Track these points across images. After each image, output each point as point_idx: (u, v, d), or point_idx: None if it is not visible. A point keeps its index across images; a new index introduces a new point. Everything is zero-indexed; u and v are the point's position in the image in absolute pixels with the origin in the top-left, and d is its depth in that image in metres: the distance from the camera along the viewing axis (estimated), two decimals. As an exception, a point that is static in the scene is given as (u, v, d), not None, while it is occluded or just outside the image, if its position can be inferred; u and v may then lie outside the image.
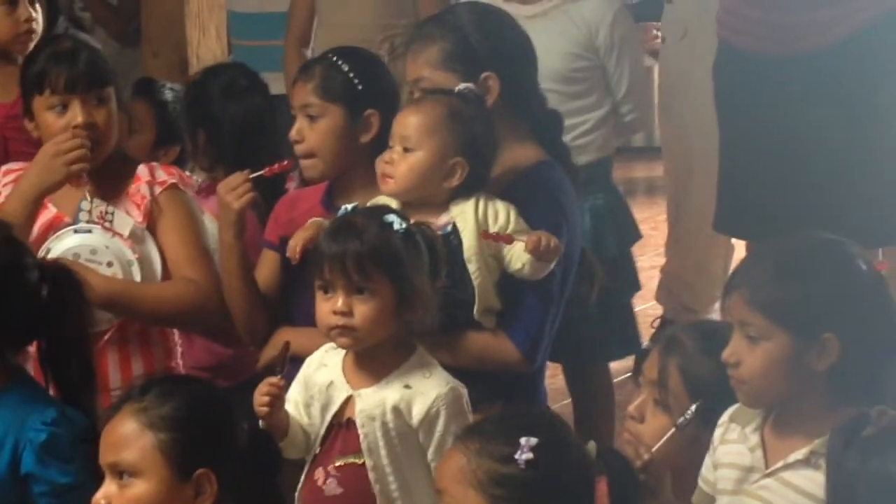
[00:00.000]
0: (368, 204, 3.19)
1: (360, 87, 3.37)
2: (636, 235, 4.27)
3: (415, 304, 2.88)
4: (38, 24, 4.13)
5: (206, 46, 4.79)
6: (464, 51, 3.35)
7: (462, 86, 3.28)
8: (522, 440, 2.36)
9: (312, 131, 3.37)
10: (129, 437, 2.48)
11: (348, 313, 2.85)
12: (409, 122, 3.20)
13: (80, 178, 3.35)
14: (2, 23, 4.09)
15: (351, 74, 3.37)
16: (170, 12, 4.78)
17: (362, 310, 2.85)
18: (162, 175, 3.42)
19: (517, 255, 3.15)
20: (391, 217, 2.90)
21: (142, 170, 3.42)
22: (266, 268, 3.43)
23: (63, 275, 2.90)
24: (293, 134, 3.39)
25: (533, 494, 2.36)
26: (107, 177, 3.41)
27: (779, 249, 2.61)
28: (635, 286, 4.27)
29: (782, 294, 2.51)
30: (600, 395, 4.08)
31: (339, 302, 2.86)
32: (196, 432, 2.50)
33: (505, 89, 3.34)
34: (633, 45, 4.25)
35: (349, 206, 3.02)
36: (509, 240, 3.13)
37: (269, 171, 3.37)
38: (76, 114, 3.33)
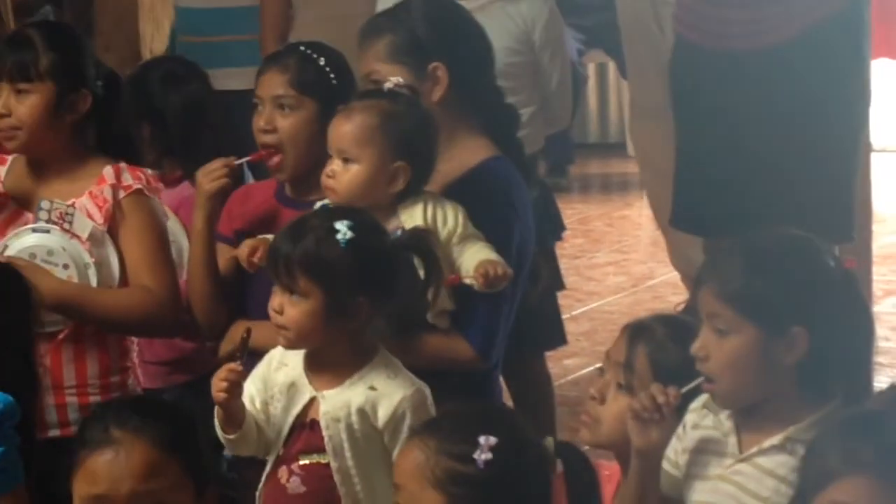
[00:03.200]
0: (319, 204, 3.20)
1: (334, 82, 3.38)
2: (561, 230, 4.33)
3: (351, 315, 2.87)
4: None
5: (160, 41, 4.79)
6: (411, 42, 3.35)
7: (390, 82, 3.27)
8: (482, 439, 2.38)
9: (285, 122, 3.37)
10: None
11: (280, 312, 2.88)
12: (343, 133, 3.17)
13: None
14: None
15: (327, 68, 3.38)
16: (123, 6, 4.78)
17: (290, 312, 2.87)
18: (128, 179, 3.38)
19: (466, 272, 3.15)
20: (341, 224, 2.87)
21: (108, 171, 3.37)
22: (220, 261, 3.42)
23: (8, 275, 2.93)
24: (263, 123, 3.38)
25: (492, 493, 2.38)
26: (70, 175, 3.39)
27: (748, 244, 2.63)
28: (560, 281, 4.33)
29: (751, 287, 2.53)
30: (536, 387, 4.11)
31: (276, 299, 2.89)
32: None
33: (455, 81, 3.33)
34: (564, 43, 4.32)
35: (318, 204, 3.06)
36: (457, 280, 3.13)
37: (253, 158, 3.37)
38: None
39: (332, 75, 3.38)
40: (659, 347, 2.75)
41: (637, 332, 2.78)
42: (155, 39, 5.05)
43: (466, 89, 3.37)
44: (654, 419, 2.57)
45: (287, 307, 2.86)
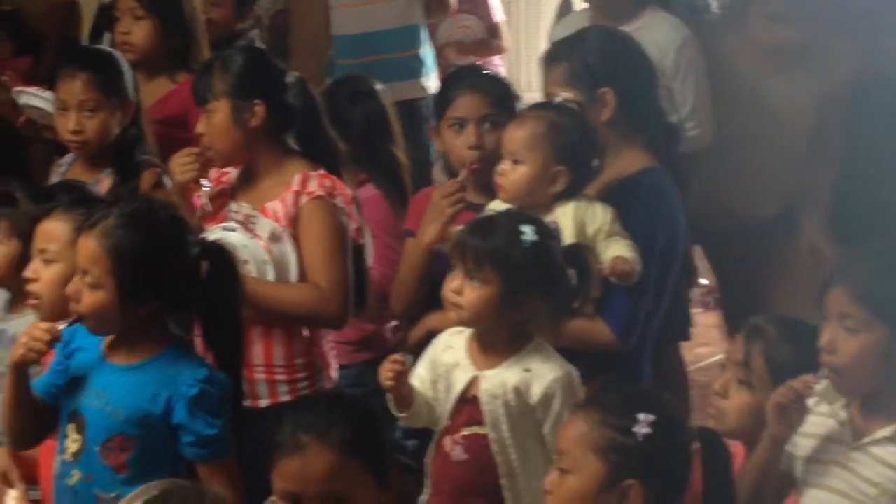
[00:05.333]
0: (491, 206, 3.37)
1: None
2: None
3: (521, 306, 3.01)
4: (136, 37, 4.25)
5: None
6: (584, 70, 3.50)
7: (560, 98, 3.43)
8: (641, 416, 2.55)
9: (492, 137, 3.53)
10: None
11: (459, 293, 3.01)
12: (515, 138, 3.36)
13: (194, 184, 3.54)
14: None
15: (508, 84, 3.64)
16: (314, 31, 5.01)
17: (470, 295, 3.02)
18: (312, 186, 3.44)
19: (604, 266, 3.30)
20: (526, 228, 3.02)
21: (296, 179, 3.45)
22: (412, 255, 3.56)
23: (221, 254, 3.02)
24: (474, 140, 3.54)
25: (646, 463, 2.55)
26: (269, 180, 3.49)
27: (878, 251, 2.73)
28: (694, 279, 4.41)
29: (885, 290, 2.63)
30: (672, 374, 4.17)
31: (456, 282, 3.04)
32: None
33: (621, 103, 3.48)
34: (698, 68, 4.26)
35: (501, 207, 3.23)
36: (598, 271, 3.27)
37: (468, 172, 3.52)
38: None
39: (512, 89, 3.63)
40: (772, 346, 2.88)
41: (753, 333, 2.91)
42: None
43: (631, 109, 3.51)
44: (797, 408, 2.68)
45: (467, 290, 3.02)
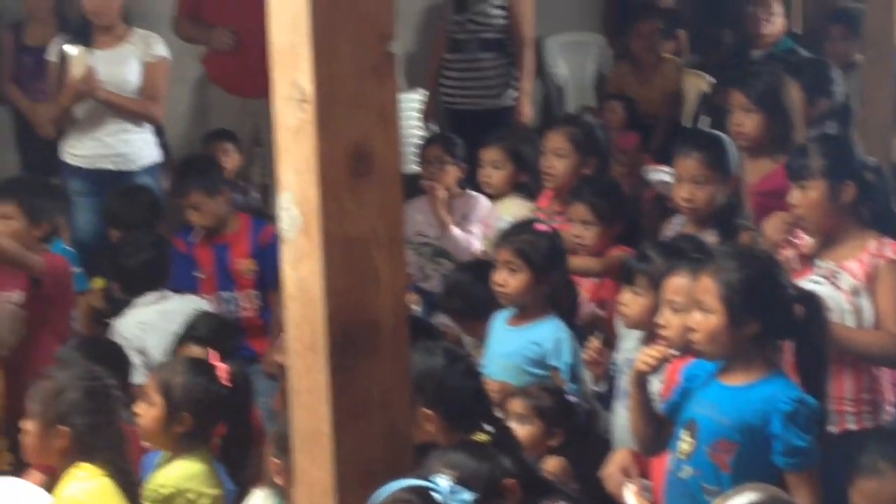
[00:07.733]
0: None
1: None
2: None
3: None
4: (747, 128, 4.48)
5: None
6: None
7: None
8: None
9: None
10: None
11: None
12: None
13: (783, 244, 3.87)
14: None
15: None
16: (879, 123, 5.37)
17: None
18: (887, 251, 3.71)
19: None
20: None
21: (871, 244, 3.72)
22: None
23: (814, 301, 3.21)
24: None
25: None
26: (847, 244, 3.75)
27: None
28: None
29: None
30: None
31: None
32: None
33: None
34: None
35: None
36: None
37: None
38: None
39: None
40: None
41: None
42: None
43: None
44: None
45: None
